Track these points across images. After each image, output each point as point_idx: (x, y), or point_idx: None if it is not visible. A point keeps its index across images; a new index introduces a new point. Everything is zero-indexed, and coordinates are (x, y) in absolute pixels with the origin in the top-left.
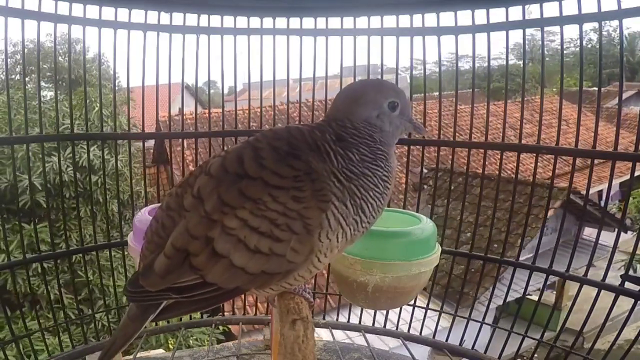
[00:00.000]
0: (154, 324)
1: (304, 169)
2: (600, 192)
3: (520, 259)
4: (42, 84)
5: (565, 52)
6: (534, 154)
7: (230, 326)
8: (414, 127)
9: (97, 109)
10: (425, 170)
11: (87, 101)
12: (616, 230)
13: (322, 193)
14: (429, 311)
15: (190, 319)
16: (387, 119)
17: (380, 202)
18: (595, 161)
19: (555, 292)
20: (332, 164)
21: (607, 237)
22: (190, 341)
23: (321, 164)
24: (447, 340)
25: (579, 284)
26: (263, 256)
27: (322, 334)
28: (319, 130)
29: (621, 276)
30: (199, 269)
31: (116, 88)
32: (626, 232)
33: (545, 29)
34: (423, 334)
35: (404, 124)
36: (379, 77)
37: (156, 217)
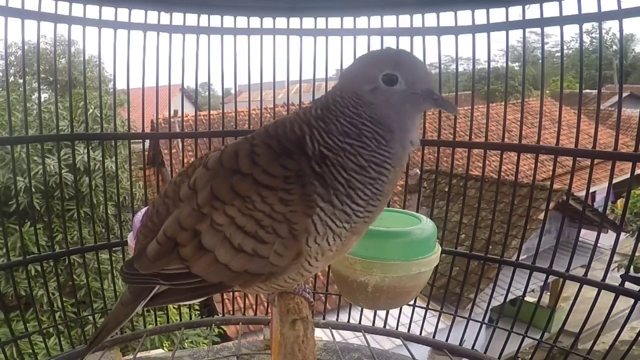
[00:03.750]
0: (153, 324)
1: (296, 170)
2: (593, 194)
3: (514, 259)
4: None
5: (558, 54)
6: (529, 156)
7: (226, 329)
8: (435, 103)
9: (91, 110)
10: (418, 172)
11: (85, 102)
12: (609, 231)
13: (310, 198)
14: (428, 311)
15: (190, 318)
16: (383, 95)
17: (375, 189)
18: (586, 162)
19: (549, 293)
20: (314, 153)
21: (601, 238)
22: (186, 344)
23: (304, 157)
24: (447, 340)
25: (574, 284)
26: (246, 255)
27: (322, 334)
28: (303, 112)
29: (621, 276)
30: (186, 260)
31: (113, 89)
32: (619, 234)
33: (539, 31)
34: (423, 334)
35: (412, 99)
36: None
37: (153, 203)
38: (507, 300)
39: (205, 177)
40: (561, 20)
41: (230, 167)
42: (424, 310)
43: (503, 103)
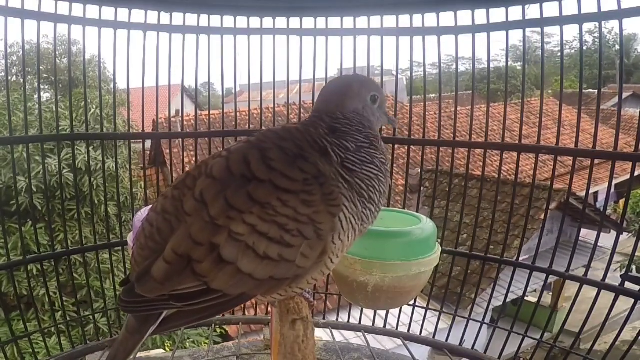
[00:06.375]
0: None
1: (313, 173)
2: (595, 194)
3: (515, 259)
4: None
5: (560, 54)
6: (531, 156)
7: (227, 328)
8: (388, 120)
9: (92, 110)
10: (418, 172)
11: (85, 102)
12: (611, 231)
13: (332, 197)
14: (428, 311)
15: None
16: (370, 111)
17: (384, 188)
18: (587, 162)
19: (551, 293)
20: (336, 162)
21: (602, 238)
22: (187, 344)
23: (327, 165)
24: (447, 340)
25: (576, 284)
26: (272, 262)
27: (322, 334)
28: (312, 126)
29: (621, 276)
30: (203, 276)
31: (114, 89)
32: (622, 233)
33: (540, 30)
34: (423, 334)
35: (382, 116)
36: (379, 78)
37: (150, 221)
38: (508, 300)
39: (214, 187)
40: (561, 20)
41: (242, 175)
42: (424, 310)
43: (504, 103)
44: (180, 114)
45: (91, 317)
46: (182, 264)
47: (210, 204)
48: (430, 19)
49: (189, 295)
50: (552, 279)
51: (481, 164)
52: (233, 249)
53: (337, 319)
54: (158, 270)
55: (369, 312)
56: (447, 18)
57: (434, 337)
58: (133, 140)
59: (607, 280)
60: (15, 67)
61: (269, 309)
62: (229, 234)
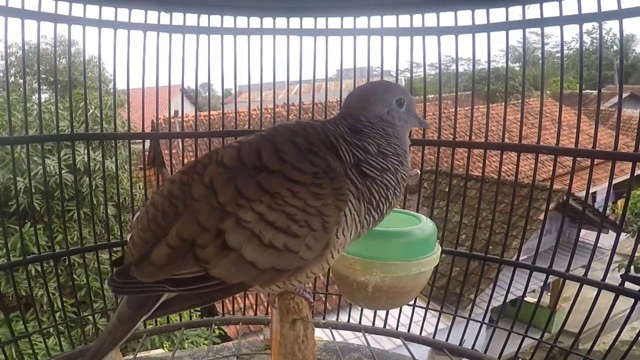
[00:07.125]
0: (153, 324)
1: (323, 167)
2: (594, 194)
3: (514, 260)
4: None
5: (559, 54)
6: (530, 156)
7: (226, 329)
8: (419, 122)
9: (91, 111)
10: (418, 172)
11: (85, 102)
12: (610, 231)
13: (340, 192)
14: (428, 311)
15: (190, 319)
16: (397, 115)
17: (396, 197)
18: (586, 162)
19: (550, 294)
20: (347, 161)
21: (601, 238)
22: (186, 344)
23: (337, 161)
24: (447, 340)
25: (575, 284)
26: (275, 251)
27: (322, 334)
28: (331, 124)
29: (621, 276)
30: (205, 262)
31: (113, 89)
32: (619, 234)
33: (539, 31)
34: (423, 334)
35: (410, 119)
36: (379, 78)
37: (155, 204)
38: (508, 300)
39: (225, 175)
40: (561, 20)
41: (253, 165)
42: (424, 310)
43: (503, 103)
44: (180, 115)
45: (90, 317)
46: (185, 249)
47: (220, 190)
48: (430, 19)
49: (187, 281)
50: (551, 279)
51: (480, 164)
52: (239, 236)
53: (337, 319)
54: (159, 255)
55: (369, 312)
56: (447, 18)
57: (433, 337)
58: (132, 141)
59: (607, 280)
60: (14, 68)
61: (269, 309)
62: (236, 220)
